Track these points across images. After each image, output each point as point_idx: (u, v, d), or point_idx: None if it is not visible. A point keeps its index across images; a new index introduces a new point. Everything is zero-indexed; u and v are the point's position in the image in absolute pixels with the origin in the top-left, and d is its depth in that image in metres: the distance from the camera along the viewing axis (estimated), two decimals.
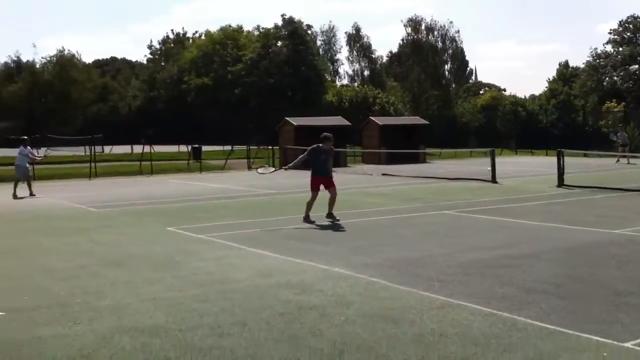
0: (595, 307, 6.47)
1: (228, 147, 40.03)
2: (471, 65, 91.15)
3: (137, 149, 36.55)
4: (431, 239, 10.76)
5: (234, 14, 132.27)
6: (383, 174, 25.08)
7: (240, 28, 75.95)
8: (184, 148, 40.53)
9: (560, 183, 18.99)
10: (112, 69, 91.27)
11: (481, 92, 75.35)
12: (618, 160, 30.78)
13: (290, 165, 14.06)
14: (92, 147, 29.83)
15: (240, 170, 29.44)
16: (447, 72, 78.11)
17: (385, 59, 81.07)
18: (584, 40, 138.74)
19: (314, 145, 13.10)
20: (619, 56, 59.67)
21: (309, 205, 12.80)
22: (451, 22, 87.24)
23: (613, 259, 8.77)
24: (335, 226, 12.18)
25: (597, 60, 61.59)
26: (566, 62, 72.19)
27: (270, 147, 32.54)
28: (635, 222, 12.04)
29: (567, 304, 6.61)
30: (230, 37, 72.56)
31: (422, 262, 8.74)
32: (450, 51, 77.43)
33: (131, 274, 8.40)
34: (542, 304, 6.61)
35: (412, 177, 23.46)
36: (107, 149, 45.40)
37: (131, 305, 6.85)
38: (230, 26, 75.40)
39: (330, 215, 12.72)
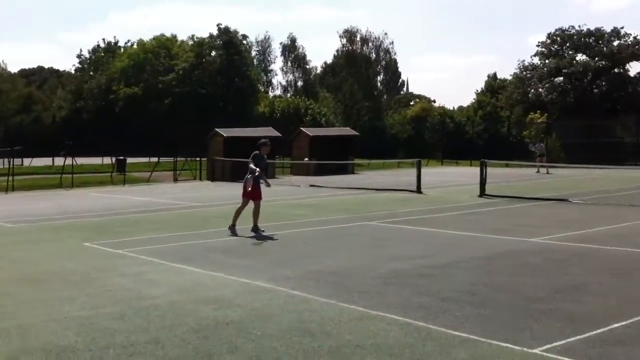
0: (507, 315, 6.64)
1: (155, 159, 39.35)
2: (403, 76, 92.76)
3: (59, 161, 35.50)
4: (354, 250, 10.83)
5: (171, 23, 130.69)
6: (311, 185, 25.13)
7: (174, 37, 75.00)
8: (108, 160, 39.54)
9: (482, 193, 19.46)
10: (39, 78, 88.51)
11: (412, 103, 76.67)
12: (538, 171, 31.80)
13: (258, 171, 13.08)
14: (11, 159, 28.76)
15: (166, 183, 28.98)
16: (379, 84, 79.14)
17: (319, 70, 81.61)
18: (514, 53, 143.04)
19: (256, 152, 13.05)
20: (545, 68, 61.67)
21: (238, 213, 12.73)
22: (386, 34, 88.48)
23: (527, 267, 9.03)
24: (259, 239, 12.11)
25: (524, 72, 63.49)
26: (495, 74, 74.20)
27: (198, 159, 32.14)
28: (550, 230, 12.43)
29: (481, 312, 6.75)
30: (164, 46, 71.55)
31: (343, 274, 8.78)
32: (383, 62, 78.49)
33: (43, 292, 8.12)
34: (456, 313, 6.74)
35: (339, 188, 23.61)
36: (27, 161, 43.88)
37: (40, 325, 6.61)
38: (164, 35, 74.39)
39: (256, 228, 12.65)
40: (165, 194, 22.73)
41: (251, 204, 12.84)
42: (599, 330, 6.01)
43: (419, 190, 21.07)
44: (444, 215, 15.52)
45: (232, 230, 12.52)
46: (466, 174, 30.36)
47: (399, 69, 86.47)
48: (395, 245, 11.17)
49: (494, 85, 70.54)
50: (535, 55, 64.10)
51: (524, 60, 64.62)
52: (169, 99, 63.53)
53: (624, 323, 6.22)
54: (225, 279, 8.57)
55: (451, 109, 70.64)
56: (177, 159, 31.69)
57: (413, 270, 8.92)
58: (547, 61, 62.36)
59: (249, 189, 12.69)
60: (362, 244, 11.43)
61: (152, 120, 61.43)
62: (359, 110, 66.68)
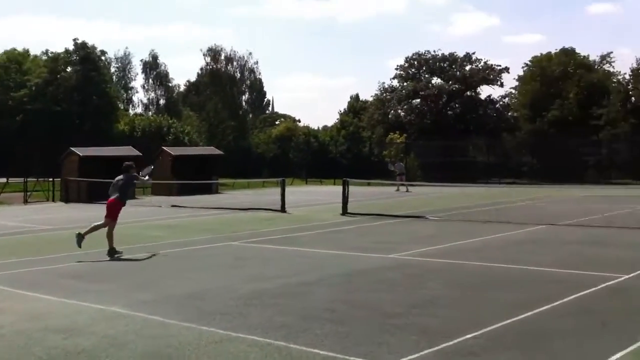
0: (365, 330, 6.75)
1: (3, 180, 36.95)
2: (269, 95, 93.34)
3: None
4: (215, 271, 10.66)
5: (24, 37, 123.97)
6: (172, 206, 24.58)
7: (26, 52, 71.14)
8: None
9: (345, 211, 19.86)
10: None
11: (277, 122, 77.19)
12: (398, 189, 32.96)
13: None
14: None
15: (15, 205, 27.29)
16: (244, 103, 79.14)
17: (182, 88, 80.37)
18: (374, 75, 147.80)
19: (133, 174, 13.02)
20: (404, 90, 64.23)
21: (111, 235, 12.18)
22: (250, 53, 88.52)
23: (385, 283, 9.26)
24: (115, 262, 11.64)
25: (384, 94, 65.82)
26: (357, 95, 76.38)
27: (51, 179, 30.49)
28: (408, 246, 12.86)
29: (341, 329, 6.82)
30: (15, 60, 67.67)
31: (204, 296, 8.60)
32: (248, 82, 78.58)
33: None
34: (317, 331, 6.77)
35: (202, 208, 23.26)
36: None
37: None
38: (15, 49, 70.38)
39: (113, 250, 12.14)
40: (15, 217, 21.38)
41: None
42: (451, 342, 6.23)
43: (283, 209, 21.15)
44: (307, 233, 15.65)
45: (114, 252, 12.02)
46: (330, 192, 30.86)
47: (264, 89, 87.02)
48: (258, 265, 11.11)
49: (356, 106, 72.57)
50: (394, 78, 66.72)
51: (384, 83, 67.01)
52: (20, 116, 60.10)
53: (475, 334, 6.49)
54: (77, 306, 8.13)
55: (316, 128, 71.84)
56: (28, 179, 29.94)
57: (275, 290, 8.89)
58: (405, 84, 65.06)
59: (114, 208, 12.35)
60: (223, 265, 11.27)
61: (2, 138, 57.81)
62: (224, 130, 66.26)
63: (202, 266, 11.18)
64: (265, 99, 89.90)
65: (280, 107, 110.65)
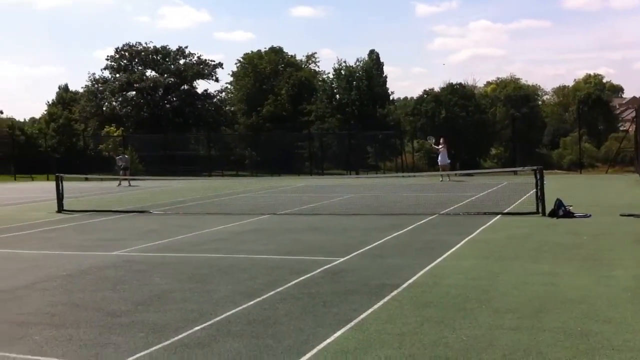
0: (90, 332, 6.37)
1: None
2: None
3: None
4: None
5: None
6: None
7: None
8: None
9: (60, 208, 18.65)
10: None
11: None
12: (119, 184, 31.88)
13: None
14: None
15: None
16: None
17: None
18: (83, 65, 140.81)
19: None
20: (117, 82, 62.16)
21: None
22: None
23: (109, 281, 8.85)
24: None
25: (96, 86, 63.08)
26: (66, 86, 72.05)
27: None
28: (131, 242, 12.46)
29: (63, 333, 6.36)
30: None
31: None
32: None
33: None
34: (35, 336, 6.25)
35: None
36: None
37: None
38: None
39: None
40: None
41: None
42: (180, 336, 6.15)
43: None
44: (17, 234, 14.40)
45: None
46: (43, 189, 28.80)
47: None
48: None
49: (65, 97, 68.64)
50: (105, 69, 64.48)
51: (94, 74, 64.43)
52: None
53: (203, 325, 6.48)
54: None
55: (22, 120, 66.42)
56: None
57: None
58: (117, 75, 63.16)
59: None
60: None
61: None
62: None
63: None
64: None
65: None
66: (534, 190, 15.39)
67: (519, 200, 18.01)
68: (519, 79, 71.75)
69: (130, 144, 47.05)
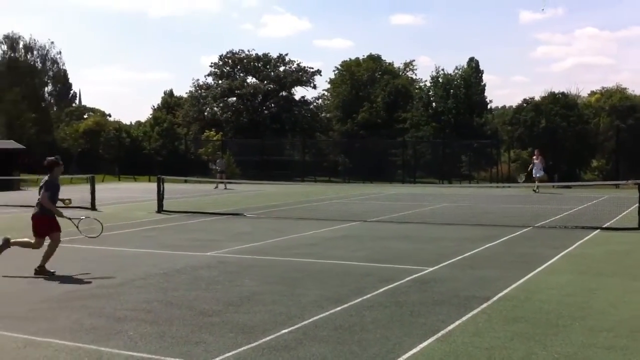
0: (182, 330, 6.59)
1: None
2: (75, 88, 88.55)
3: None
4: (22, 272, 9.88)
5: None
6: None
7: None
8: None
9: (160, 209, 19.35)
10: None
11: (85, 116, 73.49)
12: (216, 186, 32.76)
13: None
14: None
15: None
16: (47, 95, 74.48)
17: None
18: (188, 71, 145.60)
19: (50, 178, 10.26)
20: (219, 88, 63.92)
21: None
22: (52, 43, 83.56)
23: (202, 281, 9.13)
24: None
25: (199, 91, 65.07)
26: (171, 91, 74.72)
27: None
28: (225, 244, 12.79)
29: (156, 329, 6.61)
30: None
31: (7, 299, 7.95)
32: (51, 73, 74.05)
33: None
34: (130, 332, 6.51)
35: (2, 206, 21.56)
36: None
37: None
38: None
39: (43, 269, 9.86)
40: None
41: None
42: (268, 338, 6.27)
43: (93, 207, 20.18)
44: (120, 232, 15.05)
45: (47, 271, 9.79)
46: (145, 190, 29.99)
47: (70, 80, 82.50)
48: (67, 266, 10.45)
49: (170, 102, 71.11)
50: (209, 75, 66.32)
51: (198, 80, 66.39)
52: None
53: (291, 329, 6.58)
54: None
55: (128, 123, 69.34)
56: None
57: (85, 292, 8.45)
58: (220, 82, 64.87)
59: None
60: (29, 267, 10.47)
61: None
62: (24, 122, 61.91)
63: (5, 267, 10.30)
64: (72, 92, 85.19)
65: (88, 101, 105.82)
66: (637, 204, 14.71)
67: (620, 215, 17.25)
68: (625, 88, 68.66)
69: (228, 149, 48.27)
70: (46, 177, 10.20)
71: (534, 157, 28.54)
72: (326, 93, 70.21)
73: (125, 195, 27.31)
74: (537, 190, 27.33)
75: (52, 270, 9.79)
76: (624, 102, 60.17)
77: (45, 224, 10.15)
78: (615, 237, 13.33)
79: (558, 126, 50.20)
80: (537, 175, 27.99)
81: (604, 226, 15.05)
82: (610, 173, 45.79)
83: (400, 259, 10.99)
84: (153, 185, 21.21)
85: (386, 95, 62.04)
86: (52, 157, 10.34)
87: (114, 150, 52.48)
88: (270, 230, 15.08)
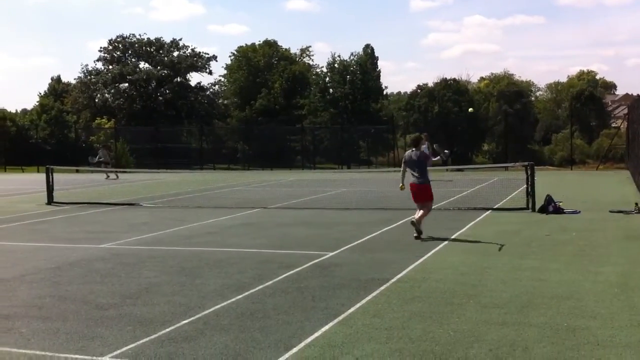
0: (77, 325, 6.36)
1: None
2: None
3: None
4: None
5: None
6: None
7: None
8: None
9: (50, 200, 18.57)
10: None
11: None
12: (108, 176, 31.72)
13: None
14: None
15: None
16: None
17: None
18: (76, 56, 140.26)
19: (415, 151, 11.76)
20: (110, 74, 61.89)
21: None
22: None
23: (98, 274, 8.83)
24: None
25: (89, 77, 62.79)
26: (59, 77, 71.68)
27: None
28: (121, 235, 12.43)
29: (50, 325, 6.35)
30: None
31: None
32: None
33: None
34: (22, 329, 6.24)
35: None
36: None
37: None
38: None
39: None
40: None
41: None
42: (168, 329, 6.14)
43: None
44: (6, 226, 14.34)
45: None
46: (33, 181, 28.68)
47: None
48: None
49: (57, 88, 68.29)
50: (98, 61, 64.15)
51: (87, 65, 64.16)
52: None
53: (192, 319, 6.48)
54: None
55: (13, 111, 65.98)
56: None
57: None
58: (110, 67, 62.88)
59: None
60: None
61: None
62: None
63: None
64: None
65: None
66: (525, 186, 15.44)
67: (510, 196, 18.05)
68: (512, 74, 71.86)
69: (122, 136, 46.86)
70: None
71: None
72: (223, 79, 69.48)
73: (12, 187, 26.03)
74: None
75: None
76: (511, 87, 62.90)
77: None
78: (505, 218, 13.94)
79: (450, 111, 51.97)
80: None
81: (494, 207, 15.70)
82: (500, 156, 47.92)
83: (301, 244, 11.05)
84: (42, 176, 20.31)
85: (283, 81, 62.11)
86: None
87: None
88: (169, 220, 14.79)
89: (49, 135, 51.94)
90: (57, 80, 71.16)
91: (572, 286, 7.56)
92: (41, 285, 8.26)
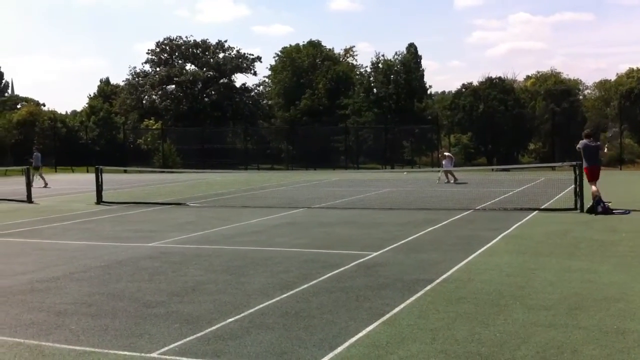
0: (125, 322, 6.47)
1: None
2: (7, 77, 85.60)
3: None
4: None
5: None
6: None
7: None
8: None
9: (99, 200, 18.95)
10: None
11: (19, 106, 71.22)
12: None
13: None
14: None
15: None
16: None
17: None
18: (124, 59, 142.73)
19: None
20: (157, 76, 62.79)
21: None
22: None
23: (145, 272, 8.98)
24: None
25: (137, 79, 63.79)
26: (107, 79, 73.00)
27: None
28: (168, 234, 12.62)
29: (98, 323, 6.47)
30: None
31: None
32: None
33: None
34: (72, 326, 6.36)
35: None
36: None
37: None
38: None
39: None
40: None
41: None
42: (214, 327, 6.21)
43: (29, 199, 19.62)
44: (58, 224, 14.68)
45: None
46: (83, 181, 29.34)
47: (1, 70, 79.87)
48: (2, 261, 10.15)
49: (106, 90, 69.52)
50: (146, 63, 65.06)
51: (135, 67, 65.09)
52: None
53: (237, 317, 6.53)
54: None
55: (63, 113, 67.46)
56: None
57: (23, 286, 8.20)
58: (158, 69, 63.75)
59: None
60: None
61: None
62: None
63: None
64: (3, 81, 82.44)
65: (21, 90, 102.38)
66: (573, 186, 15.15)
67: (557, 196, 17.74)
68: (559, 73, 70.46)
69: (169, 137, 47.55)
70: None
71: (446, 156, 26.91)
72: (267, 80, 69.83)
73: (63, 187, 26.64)
74: (439, 182, 26.09)
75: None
76: (559, 86, 61.77)
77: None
78: (553, 218, 13.71)
79: (496, 110, 51.25)
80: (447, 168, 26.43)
81: (541, 207, 15.45)
82: (546, 155, 47.08)
83: (345, 244, 11.05)
84: (90, 176, 20.75)
85: (327, 81, 62.11)
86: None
87: (49, 141, 51.06)
88: (214, 219, 14.95)
89: (98, 136, 52.95)
90: (105, 82, 72.46)
91: (622, 288, 7.40)
92: (90, 282, 8.43)
